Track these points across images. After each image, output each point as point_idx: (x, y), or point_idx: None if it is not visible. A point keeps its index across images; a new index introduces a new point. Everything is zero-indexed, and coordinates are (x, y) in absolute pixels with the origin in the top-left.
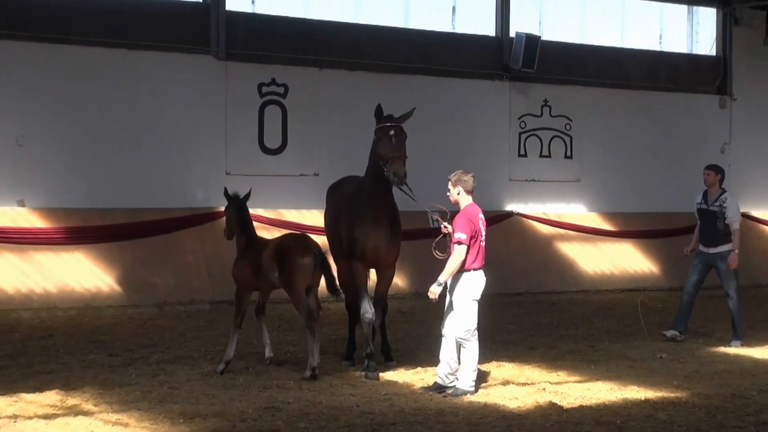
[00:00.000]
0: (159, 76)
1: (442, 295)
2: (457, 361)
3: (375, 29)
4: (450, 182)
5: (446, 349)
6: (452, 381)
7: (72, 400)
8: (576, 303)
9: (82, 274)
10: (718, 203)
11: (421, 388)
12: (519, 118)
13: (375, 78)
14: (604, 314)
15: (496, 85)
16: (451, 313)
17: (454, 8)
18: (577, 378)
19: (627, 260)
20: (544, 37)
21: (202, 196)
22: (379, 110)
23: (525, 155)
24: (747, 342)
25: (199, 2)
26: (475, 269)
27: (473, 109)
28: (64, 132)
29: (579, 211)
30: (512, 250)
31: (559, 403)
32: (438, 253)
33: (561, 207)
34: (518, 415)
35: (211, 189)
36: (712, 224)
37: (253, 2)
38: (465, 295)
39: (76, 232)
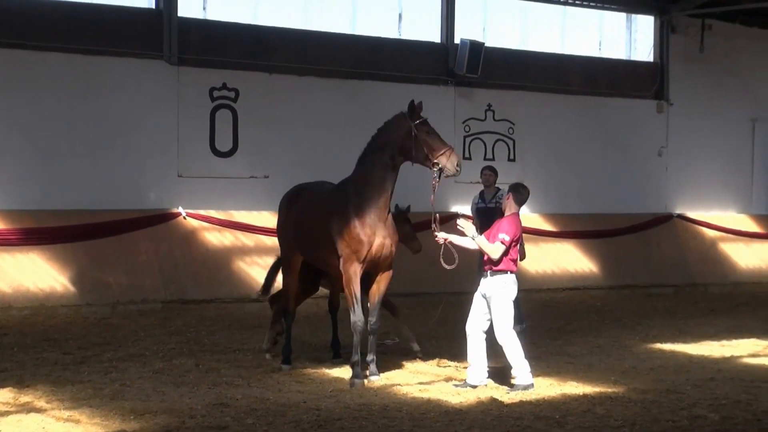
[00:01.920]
0: (112, 80)
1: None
2: (485, 359)
3: (323, 35)
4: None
5: (473, 349)
6: (482, 379)
7: (25, 398)
8: (519, 301)
9: (36, 274)
10: (494, 201)
11: (454, 384)
12: (463, 122)
13: (324, 83)
14: (545, 312)
15: (442, 90)
16: (484, 313)
17: (400, 15)
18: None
19: (568, 260)
20: (487, 44)
21: (154, 197)
22: (413, 106)
23: (470, 158)
24: (683, 338)
25: (151, 8)
26: (512, 272)
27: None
28: (18, 135)
29: (521, 212)
30: (459, 251)
31: (499, 399)
32: (445, 264)
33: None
34: (460, 410)
35: (163, 191)
36: (491, 222)
37: (204, 8)
38: (505, 296)
39: (31, 233)
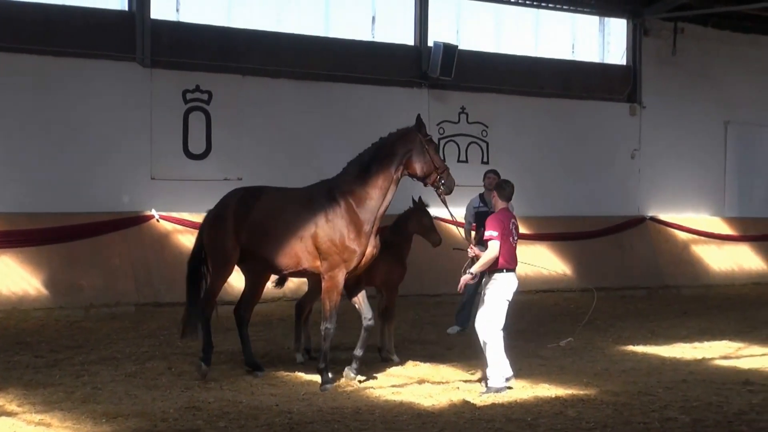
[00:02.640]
0: (85, 82)
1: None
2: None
3: (297, 38)
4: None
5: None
6: (509, 376)
7: None
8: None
9: (9, 277)
10: None
11: (480, 393)
12: (437, 125)
13: (297, 85)
14: (518, 314)
15: (415, 92)
16: (481, 311)
17: (374, 18)
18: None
19: (541, 262)
20: (461, 47)
21: (127, 200)
22: (421, 121)
23: (443, 160)
24: (655, 341)
25: (124, 10)
26: (508, 269)
27: (393, 116)
28: None
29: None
30: (432, 252)
31: (472, 401)
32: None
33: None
34: (432, 413)
35: (136, 193)
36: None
37: (177, 11)
38: (499, 294)
39: (4, 236)
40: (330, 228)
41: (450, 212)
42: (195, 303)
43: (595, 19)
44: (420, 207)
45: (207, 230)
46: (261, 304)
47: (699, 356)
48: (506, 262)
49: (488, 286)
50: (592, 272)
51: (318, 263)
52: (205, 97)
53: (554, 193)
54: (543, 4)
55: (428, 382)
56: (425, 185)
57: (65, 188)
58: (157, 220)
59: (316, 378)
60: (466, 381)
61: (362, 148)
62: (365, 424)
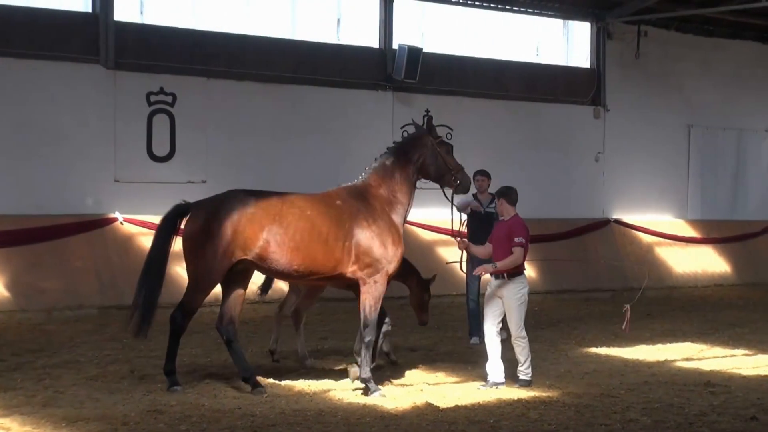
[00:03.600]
0: (48, 84)
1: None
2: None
3: (262, 40)
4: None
5: (494, 349)
6: (503, 377)
7: None
8: (456, 306)
9: None
10: (493, 206)
11: (480, 386)
12: (402, 128)
13: (262, 88)
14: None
15: (380, 95)
16: (499, 314)
17: (339, 20)
18: (454, 379)
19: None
20: (426, 49)
21: (91, 202)
22: (431, 123)
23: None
24: (618, 342)
25: (88, 12)
26: (522, 272)
27: (357, 119)
28: None
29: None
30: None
31: (435, 403)
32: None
33: (442, 213)
34: (395, 416)
35: (100, 196)
36: (487, 227)
37: (141, 12)
38: (521, 296)
39: None
40: (372, 232)
41: (453, 217)
42: (153, 305)
43: (560, 22)
44: (425, 283)
45: (192, 242)
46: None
47: (661, 358)
48: (523, 266)
49: (506, 288)
50: (557, 274)
51: (355, 268)
52: (169, 99)
53: (520, 195)
54: (507, 7)
55: (391, 383)
56: (441, 187)
57: (28, 191)
58: (121, 223)
59: (279, 380)
60: (430, 383)
61: (327, 150)
62: (328, 426)
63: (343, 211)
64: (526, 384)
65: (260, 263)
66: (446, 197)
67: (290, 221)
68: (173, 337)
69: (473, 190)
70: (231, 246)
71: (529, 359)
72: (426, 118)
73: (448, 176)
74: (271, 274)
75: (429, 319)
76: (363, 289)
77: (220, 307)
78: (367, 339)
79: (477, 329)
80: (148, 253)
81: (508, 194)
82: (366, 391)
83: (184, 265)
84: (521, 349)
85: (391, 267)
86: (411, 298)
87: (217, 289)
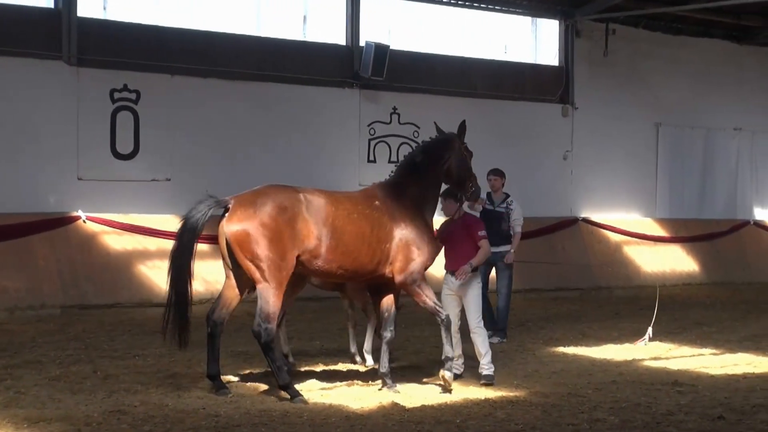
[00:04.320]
0: (10, 81)
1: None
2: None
3: (227, 37)
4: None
5: (457, 343)
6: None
7: None
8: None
9: None
10: (504, 205)
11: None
12: (368, 125)
13: (227, 85)
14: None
15: (347, 92)
16: (459, 310)
17: (305, 17)
18: (420, 378)
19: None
20: (393, 47)
21: (53, 201)
22: (464, 128)
23: (374, 161)
24: (586, 342)
25: (50, 8)
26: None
27: (324, 116)
28: None
29: None
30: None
31: (401, 403)
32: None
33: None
34: (361, 416)
35: (62, 194)
36: (497, 225)
37: (105, 8)
38: (478, 288)
39: None
40: (411, 233)
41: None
42: (187, 311)
43: (528, 19)
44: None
45: (255, 240)
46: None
47: (629, 357)
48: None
49: (469, 284)
50: (525, 274)
51: (392, 268)
52: (133, 96)
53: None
54: (475, 5)
55: (357, 384)
56: (458, 191)
57: None
58: (84, 222)
59: (244, 380)
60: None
61: (293, 148)
62: (293, 427)
63: (383, 212)
64: (490, 379)
65: (309, 263)
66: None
67: (339, 222)
68: (212, 339)
69: (486, 189)
70: (290, 244)
71: (490, 353)
72: (460, 124)
73: (467, 182)
74: (316, 274)
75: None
76: (407, 290)
77: (217, 299)
78: (388, 336)
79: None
80: (175, 253)
81: (454, 193)
82: (383, 385)
83: (152, 264)
84: (482, 340)
85: (428, 265)
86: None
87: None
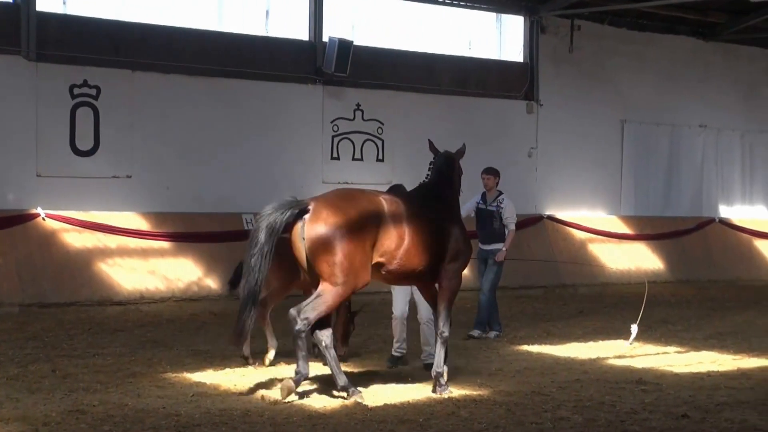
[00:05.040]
0: None
1: None
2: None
3: (189, 32)
4: None
5: (403, 329)
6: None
7: None
8: (386, 303)
9: None
10: (495, 204)
11: (425, 365)
12: (332, 122)
13: (189, 81)
14: (411, 315)
15: (310, 88)
16: (408, 300)
17: (267, 12)
18: (384, 377)
19: None
20: (356, 42)
21: (12, 198)
22: (464, 149)
23: (338, 158)
24: (550, 340)
25: (8, 2)
26: None
27: (287, 113)
28: None
29: None
30: None
31: (364, 402)
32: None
33: None
34: (323, 415)
35: (21, 191)
36: (489, 224)
37: (64, 3)
38: None
39: None
40: (459, 231)
41: None
42: (252, 309)
43: (492, 15)
44: (353, 313)
45: (337, 244)
46: (150, 304)
47: (593, 355)
48: None
49: None
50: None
51: (445, 265)
52: (93, 92)
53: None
54: (440, 1)
55: (320, 382)
56: None
57: None
58: (43, 219)
59: (205, 379)
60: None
61: (256, 144)
62: (254, 426)
63: (438, 213)
64: (429, 368)
65: (385, 266)
66: None
67: (416, 224)
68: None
69: (353, 185)
70: (370, 249)
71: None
72: (463, 145)
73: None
74: (388, 276)
75: (345, 353)
76: (445, 285)
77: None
78: (445, 334)
79: (481, 323)
80: (251, 251)
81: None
82: (436, 387)
83: (112, 261)
84: (430, 333)
85: (468, 261)
86: (335, 326)
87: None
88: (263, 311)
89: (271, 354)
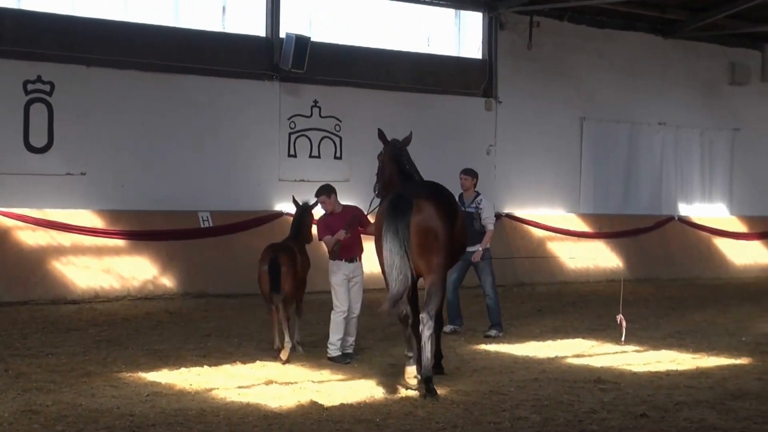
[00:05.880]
0: None
1: None
2: None
3: (145, 27)
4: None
5: (352, 326)
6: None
7: None
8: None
9: None
10: (474, 205)
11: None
12: (289, 119)
13: (145, 77)
14: (370, 313)
15: (266, 85)
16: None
17: (224, 8)
18: (340, 377)
19: None
20: (314, 38)
21: None
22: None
23: (295, 155)
24: (508, 339)
25: None
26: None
27: (243, 109)
28: None
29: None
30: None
31: (320, 402)
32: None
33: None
34: (279, 415)
35: None
36: (469, 225)
37: None
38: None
39: None
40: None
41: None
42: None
43: (451, 11)
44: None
45: (441, 236)
46: (105, 303)
47: (552, 354)
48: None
49: (359, 269)
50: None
51: None
52: (47, 88)
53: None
54: None
55: (276, 382)
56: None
57: None
58: None
59: (160, 379)
60: (315, 381)
61: (212, 141)
62: (209, 426)
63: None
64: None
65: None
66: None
67: (442, 216)
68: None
69: (309, 182)
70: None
71: (353, 338)
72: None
73: None
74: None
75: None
76: (437, 279)
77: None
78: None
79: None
80: (391, 244)
81: (328, 191)
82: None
83: (66, 260)
84: (355, 324)
85: None
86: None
87: None
88: (285, 310)
89: (286, 351)
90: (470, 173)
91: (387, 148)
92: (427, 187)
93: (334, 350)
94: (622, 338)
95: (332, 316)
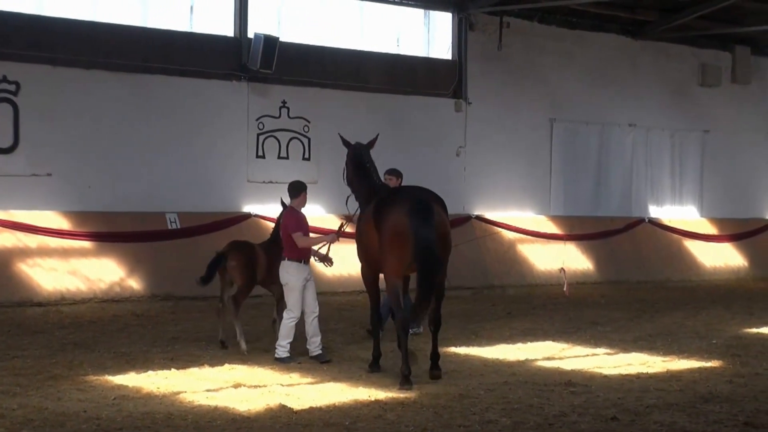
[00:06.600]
0: None
1: None
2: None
3: (112, 27)
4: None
5: (313, 326)
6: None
7: None
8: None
9: None
10: None
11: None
12: (257, 120)
13: (113, 77)
14: (339, 316)
15: (235, 85)
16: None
17: (192, 7)
18: (309, 380)
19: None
20: (282, 39)
21: None
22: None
23: (263, 156)
24: (478, 342)
25: None
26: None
27: (211, 110)
28: None
29: (318, 213)
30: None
31: (289, 405)
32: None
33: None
34: (247, 418)
35: None
36: None
37: None
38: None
39: None
40: None
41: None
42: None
43: (420, 12)
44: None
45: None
46: (71, 305)
47: (522, 357)
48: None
49: (311, 272)
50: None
51: None
52: (12, 88)
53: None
54: None
55: (244, 386)
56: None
57: None
58: None
59: (127, 382)
60: (284, 384)
61: (180, 142)
62: (177, 429)
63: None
64: (322, 358)
65: None
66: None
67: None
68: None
69: (277, 184)
70: None
71: (319, 336)
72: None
73: None
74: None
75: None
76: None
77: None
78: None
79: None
80: (427, 240)
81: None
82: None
83: (32, 261)
84: (315, 323)
85: None
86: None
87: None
88: (236, 308)
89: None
90: (395, 173)
91: (349, 149)
92: (425, 192)
93: (283, 351)
94: (564, 288)
95: (285, 321)
